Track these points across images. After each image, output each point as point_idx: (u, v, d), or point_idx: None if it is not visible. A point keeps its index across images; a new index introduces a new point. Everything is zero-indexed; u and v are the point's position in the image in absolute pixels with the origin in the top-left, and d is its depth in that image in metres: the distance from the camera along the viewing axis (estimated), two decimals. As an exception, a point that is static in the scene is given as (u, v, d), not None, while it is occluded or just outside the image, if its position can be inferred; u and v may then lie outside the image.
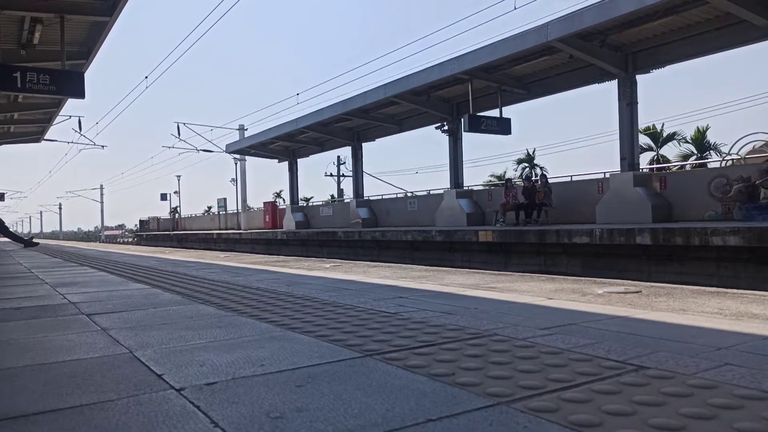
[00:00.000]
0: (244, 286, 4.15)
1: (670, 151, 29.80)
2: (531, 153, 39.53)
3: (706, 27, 11.28)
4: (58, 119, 18.60)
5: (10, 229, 15.93)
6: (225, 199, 36.62)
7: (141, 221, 50.49)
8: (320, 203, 30.76)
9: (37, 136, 20.92)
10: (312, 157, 26.07)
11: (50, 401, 1.41)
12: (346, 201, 28.15)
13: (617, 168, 13.06)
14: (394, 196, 22.29)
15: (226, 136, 56.28)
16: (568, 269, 10.89)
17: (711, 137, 28.63)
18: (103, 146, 26.25)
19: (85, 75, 10.62)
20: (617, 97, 12.77)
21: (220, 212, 36.96)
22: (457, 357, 1.78)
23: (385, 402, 1.34)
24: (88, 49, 11.92)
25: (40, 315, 2.94)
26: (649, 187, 12.39)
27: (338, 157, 40.74)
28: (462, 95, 16.02)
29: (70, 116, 19.86)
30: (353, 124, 20.87)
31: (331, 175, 41.63)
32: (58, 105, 16.50)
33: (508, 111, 15.83)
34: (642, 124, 20.08)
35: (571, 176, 15.64)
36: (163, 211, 54.93)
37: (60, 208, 78.38)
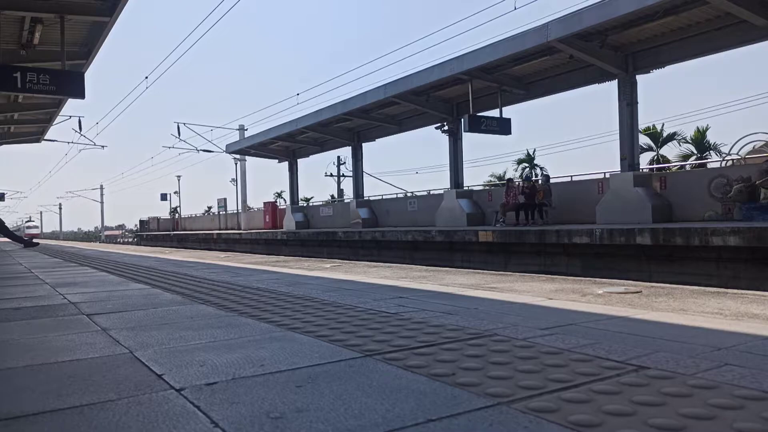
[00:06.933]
0: (244, 287, 4.15)
1: (670, 151, 29.82)
2: (531, 153, 39.52)
3: (706, 27, 11.28)
4: (58, 119, 18.61)
5: (10, 229, 15.93)
6: (225, 200, 36.61)
7: (141, 221, 50.46)
8: (320, 203, 30.75)
9: (37, 136, 20.92)
10: (312, 157, 26.09)
11: (50, 401, 1.41)
12: (346, 201, 28.14)
13: (617, 168, 13.07)
14: (394, 196, 22.29)
15: (226, 136, 56.25)
16: (568, 269, 10.89)
17: (711, 137, 28.64)
18: (103, 146, 26.28)
19: (85, 75, 10.63)
20: (617, 97, 12.77)
21: (220, 212, 36.93)
22: (457, 357, 1.78)
23: (386, 402, 1.34)
24: (88, 49, 11.92)
25: (41, 315, 2.94)
26: (649, 187, 12.39)
27: (338, 157, 40.76)
28: (462, 95, 16.02)
29: (70, 116, 19.87)
30: (353, 124, 20.87)
31: (331, 175, 41.64)
32: (58, 105, 16.50)
33: (508, 111, 15.85)
34: (642, 124, 20.05)
35: (571, 176, 15.66)
36: (163, 212, 54.96)
37: (60, 208, 78.42)
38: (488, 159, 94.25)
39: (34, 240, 18.78)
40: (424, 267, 6.68)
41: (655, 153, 29.69)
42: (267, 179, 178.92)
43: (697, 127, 28.82)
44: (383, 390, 1.44)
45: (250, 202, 35.76)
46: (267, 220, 28.28)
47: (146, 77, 19.55)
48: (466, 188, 17.78)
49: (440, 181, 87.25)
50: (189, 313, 2.89)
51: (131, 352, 1.96)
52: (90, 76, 14.94)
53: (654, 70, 12.58)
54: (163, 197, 48.46)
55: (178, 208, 47.63)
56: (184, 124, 27.47)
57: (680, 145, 29.47)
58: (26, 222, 79.34)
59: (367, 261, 9.56)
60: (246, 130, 29.39)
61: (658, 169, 19.42)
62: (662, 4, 10.16)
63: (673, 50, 12.00)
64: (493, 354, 1.81)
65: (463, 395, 1.38)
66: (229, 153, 28.45)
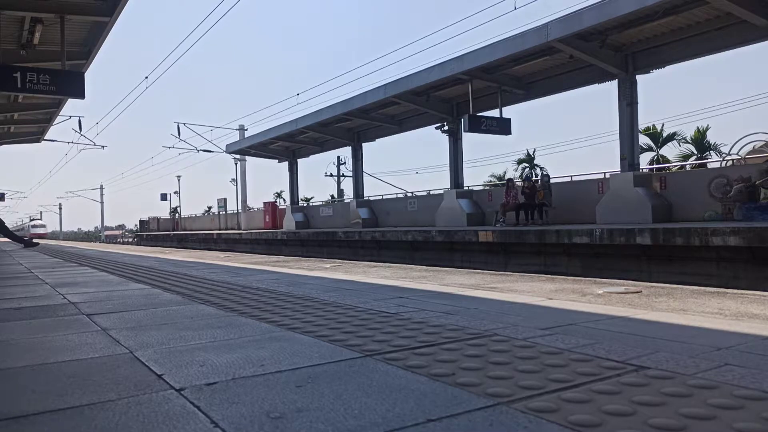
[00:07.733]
0: (245, 287, 4.15)
1: (670, 151, 29.83)
2: (531, 153, 39.54)
3: (706, 27, 11.29)
4: (58, 119, 18.62)
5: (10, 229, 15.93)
6: (225, 200, 36.61)
7: (141, 221, 50.48)
8: (320, 203, 30.75)
9: (37, 136, 20.93)
10: (312, 157, 26.10)
11: (50, 401, 1.41)
12: (346, 201, 28.14)
13: (617, 168, 13.07)
14: (394, 196, 22.30)
15: (226, 136, 56.20)
16: (568, 269, 10.89)
17: (711, 137, 28.66)
18: (103, 146, 26.31)
19: (85, 75, 10.63)
20: (617, 97, 12.78)
21: (220, 212, 36.94)
22: (458, 357, 1.77)
23: (386, 402, 1.34)
24: (88, 49, 11.92)
25: (40, 315, 2.94)
26: (649, 187, 12.39)
27: (338, 157, 40.77)
28: (462, 95, 16.02)
29: (70, 116, 19.90)
30: (353, 124, 20.87)
31: (331, 175, 41.64)
32: (58, 105, 16.51)
33: (508, 111, 15.85)
34: (642, 124, 20.07)
35: (571, 176, 15.66)
36: (163, 212, 55.00)
37: (60, 209, 78.33)
38: (488, 159, 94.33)
39: (35, 240, 18.75)
40: (424, 267, 6.68)
41: (655, 153, 29.70)
42: (267, 179, 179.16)
43: (697, 127, 28.86)
44: (383, 390, 1.44)
45: (250, 202, 35.79)
46: (267, 220, 28.30)
47: (146, 77, 19.62)
48: (466, 188, 17.78)
49: (440, 181, 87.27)
50: (189, 313, 2.89)
51: (131, 352, 1.96)
52: (90, 76, 14.92)
53: (654, 70, 12.58)
54: (163, 197, 48.46)
55: (178, 208, 47.64)
56: (184, 124, 27.54)
57: (680, 145, 29.51)
58: (31, 221, 78.12)
59: (367, 261, 9.56)
60: (246, 130, 29.42)
61: (658, 169, 19.42)
62: (662, 4, 10.16)
63: (673, 50, 12.00)
64: (493, 354, 1.81)
65: (463, 395, 1.38)
66: (229, 153, 28.46)
